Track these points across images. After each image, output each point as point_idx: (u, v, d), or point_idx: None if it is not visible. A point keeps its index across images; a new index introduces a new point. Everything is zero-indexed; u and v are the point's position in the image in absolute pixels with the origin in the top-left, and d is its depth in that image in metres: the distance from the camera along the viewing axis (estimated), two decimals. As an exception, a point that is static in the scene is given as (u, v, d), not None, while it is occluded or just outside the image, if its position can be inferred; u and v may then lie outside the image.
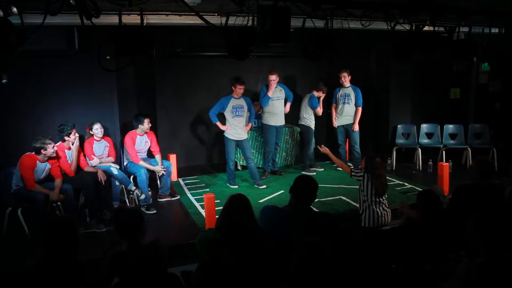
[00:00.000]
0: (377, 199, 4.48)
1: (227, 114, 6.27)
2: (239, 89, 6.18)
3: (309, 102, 7.03)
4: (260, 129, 7.13)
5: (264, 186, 6.36)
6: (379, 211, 4.48)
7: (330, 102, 7.28)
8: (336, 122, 7.21)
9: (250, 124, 6.55)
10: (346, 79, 6.95)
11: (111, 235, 4.67)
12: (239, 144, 6.38)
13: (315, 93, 7.04)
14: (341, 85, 7.05)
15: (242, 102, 6.31)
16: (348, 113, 7.06)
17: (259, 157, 7.32)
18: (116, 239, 2.73)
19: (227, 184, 6.49)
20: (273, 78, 6.67)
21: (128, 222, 2.69)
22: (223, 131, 6.60)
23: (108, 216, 5.16)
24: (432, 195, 3.46)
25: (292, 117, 7.65)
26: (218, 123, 6.31)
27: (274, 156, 7.12)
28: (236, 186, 6.44)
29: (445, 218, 3.35)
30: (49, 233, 2.58)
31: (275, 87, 6.76)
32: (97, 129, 5.46)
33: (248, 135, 6.58)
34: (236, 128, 6.26)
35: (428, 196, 3.47)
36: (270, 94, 6.55)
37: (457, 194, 3.84)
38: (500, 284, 1.99)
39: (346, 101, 7.02)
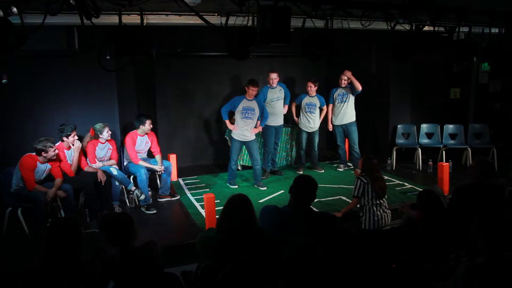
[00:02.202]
0: (377, 202, 4.47)
1: (237, 114, 6.26)
2: (252, 91, 6.17)
3: None
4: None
5: (265, 188, 6.34)
6: (379, 213, 4.47)
7: (326, 103, 7.25)
8: (334, 123, 7.20)
9: (260, 127, 6.49)
10: (344, 79, 6.97)
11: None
12: (246, 145, 6.37)
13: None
14: (338, 85, 7.06)
15: (254, 104, 6.26)
16: (346, 112, 7.07)
17: (259, 157, 7.31)
18: (100, 246, 2.73)
19: (227, 183, 6.48)
20: (274, 76, 6.69)
21: (117, 228, 2.68)
22: (224, 131, 6.59)
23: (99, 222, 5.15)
24: (433, 195, 3.46)
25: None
26: (227, 121, 6.33)
27: (273, 156, 7.12)
28: (236, 186, 6.44)
29: (446, 218, 3.35)
30: (53, 233, 2.58)
31: (275, 87, 6.76)
32: (107, 134, 5.47)
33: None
34: (242, 129, 6.24)
35: (428, 196, 3.47)
36: None
37: (457, 194, 3.84)
38: (500, 285, 1.98)
39: (344, 100, 7.03)
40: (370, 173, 4.47)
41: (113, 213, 4.92)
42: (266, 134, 6.83)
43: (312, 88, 7.01)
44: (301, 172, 7.10)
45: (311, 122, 7.07)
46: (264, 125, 6.71)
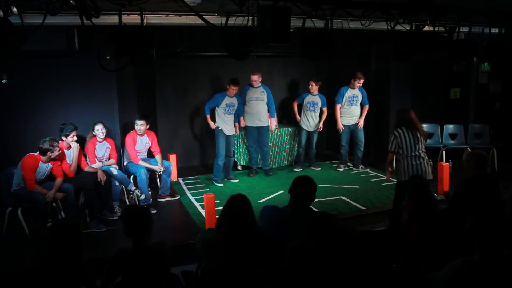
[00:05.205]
0: (413, 154, 4.58)
1: (220, 110, 6.42)
2: (233, 90, 6.36)
3: None
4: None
5: (237, 180, 6.66)
6: (414, 162, 4.58)
7: (334, 102, 7.14)
8: (342, 123, 7.14)
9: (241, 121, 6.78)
10: (360, 82, 6.93)
11: (111, 235, 4.71)
12: (227, 139, 6.56)
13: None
14: (349, 86, 7.02)
15: (234, 101, 6.50)
16: (354, 113, 7.09)
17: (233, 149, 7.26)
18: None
19: (213, 181, 6.54)
20: (254, 78, 6.68)
21: (136, 221, 2.70)
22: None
23: (108, 216, 5.17)
24: (423, 181, 3.49)
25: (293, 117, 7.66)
26: (208, 117, 6.50)
27: (264, 156, 7.07)
28: (222, 185, 6.48)
29: (443, 218, 3.34)
30: (54, 234, 2.59)
31: (257, 87, 6.75)
32: (99, 130, 5.45)
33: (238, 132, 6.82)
34: (227, 124, 6.48)
35: (418, 182, 3.49)
36: None
37: (459, 189, 3.85)
38: (491, 282, 1.98)
39: (353, 103, 7.03)
40: (406, 123, 4.59)
41: (135, 205, 4.88)
42: (247, 134, 6.93)
43: (314, 87, 7.03)
44: (299, 170, 7.19)
45: (311, 121, 7.09)
46: (245, 126, 6.86)
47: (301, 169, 7.27)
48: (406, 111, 4.79)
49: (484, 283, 1.82)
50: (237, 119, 6.70)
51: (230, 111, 6.46)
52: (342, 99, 7.06)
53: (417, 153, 4.62)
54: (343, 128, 7.15)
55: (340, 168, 7.35)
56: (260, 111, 6.79)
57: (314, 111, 7.11)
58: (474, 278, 1.84)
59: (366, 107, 7.12)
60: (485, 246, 2.15)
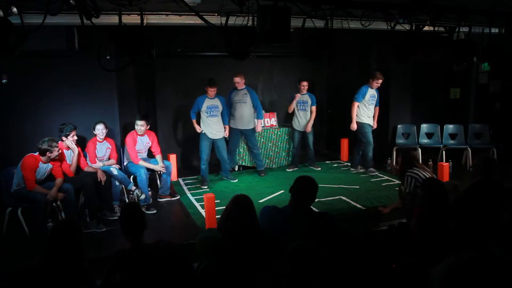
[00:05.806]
0: None
1: (203, 114, 6.42)
2: (211, 91, 6.32)
3: None
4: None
5: (236, 180, 6.66)
6: None
7: (352, 99, 6.94)
8: (363, 122, 6.89)
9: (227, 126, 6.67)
10: (379, 82, 6.84)
11: (111, 235, 4.71)
12: (214, 143, 6.49)
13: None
14: (368, 85, 6.88)
15: (216, 102, 6.42)
16: (372, 114, 7.01)
17: (226, 156, 7.17)
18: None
19: (200, 185, 6.49)
20: (237, 80, 6.62)
21: (131, 220, 2.70)
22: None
23: (108, 216, 5.17)
24: (437, 184, 3.37)
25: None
26: (194, 121, 6.50)
27: (256, 158, 7.03)
28: (206, 187, 6.43)
29: (450, 214, 3.29)
30: (55, 235, 2.59)
31: (241, 89, 6.70)
32: (99, 130, 5.46)
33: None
34: (211, 127, 6.41)
35: (432, 186, 3.36)
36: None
37: (464, 196, 3.81)
38: (480, 279, 1.97)
39: (372, 102, 6.94)
40: (414, 163, 4.67)
41: (129, 205, 4.88)
42: (229, 135, 6.80)
43: (305, 87, 7.05)
44: (290, 170, 7.21)
45: (302, 120, 7.10)
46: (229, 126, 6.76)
47: (293, 169, 7.25)
48: (411, 150, 5.00)
49: (474, 280, 1.83)
50: (226, 122, 6.63)
51: (213, 113, 6.38)
52: (363, 98, 6.87)
53: None
54: (358, 127, 6.89)
55: (364, 170, 7.11)
56: (243, 113, 6.72)
57: (305, 110, 7.11)
58: (465, 275, 1.85)
59: (377, 109, 7.04)
60: (474, 244, 2.17)
